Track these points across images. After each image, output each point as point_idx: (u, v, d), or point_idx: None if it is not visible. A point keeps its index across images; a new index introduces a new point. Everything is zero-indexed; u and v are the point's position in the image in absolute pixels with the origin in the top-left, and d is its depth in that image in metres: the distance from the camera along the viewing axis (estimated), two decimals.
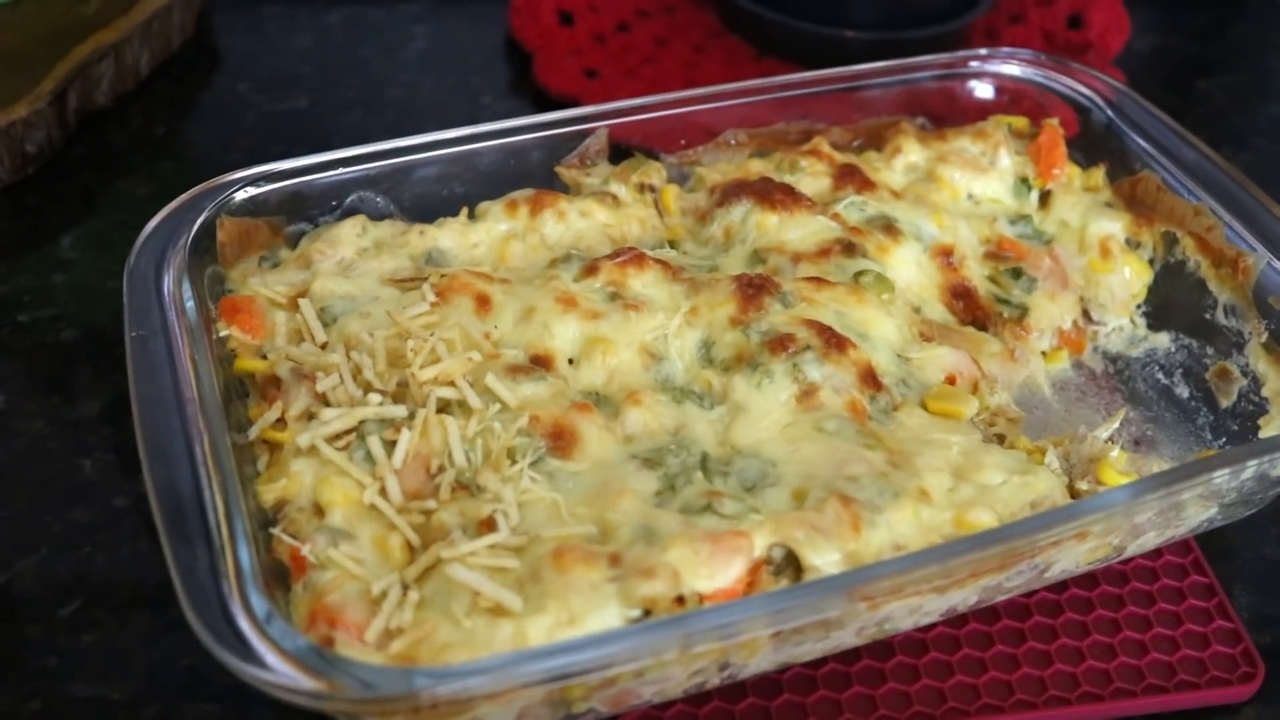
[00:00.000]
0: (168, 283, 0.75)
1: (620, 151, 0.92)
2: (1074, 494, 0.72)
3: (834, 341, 0.75)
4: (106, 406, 0.85)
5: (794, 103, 0.96)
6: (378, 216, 0.85)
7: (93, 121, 1.10)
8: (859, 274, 0.81)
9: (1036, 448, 0.75)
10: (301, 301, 0.76)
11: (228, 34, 1.24)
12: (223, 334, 0.75)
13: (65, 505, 0.79)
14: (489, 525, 0.64)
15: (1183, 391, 0.87)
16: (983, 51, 0.99)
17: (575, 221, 0.85)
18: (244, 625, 0.57)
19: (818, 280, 0.80)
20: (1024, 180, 0.93)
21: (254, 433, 0.70)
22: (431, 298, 0.76)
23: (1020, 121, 0.97)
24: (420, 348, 0.72)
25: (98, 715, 0.70)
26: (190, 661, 0.72)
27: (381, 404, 0.70)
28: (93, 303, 0.94)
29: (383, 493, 0.66)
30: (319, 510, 0.66)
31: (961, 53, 1.00)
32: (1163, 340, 0.89)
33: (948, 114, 0.99)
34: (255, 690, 0.57)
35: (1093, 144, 0.96)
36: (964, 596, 0.69)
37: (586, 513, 0.66)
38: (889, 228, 0.86)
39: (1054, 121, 0.95)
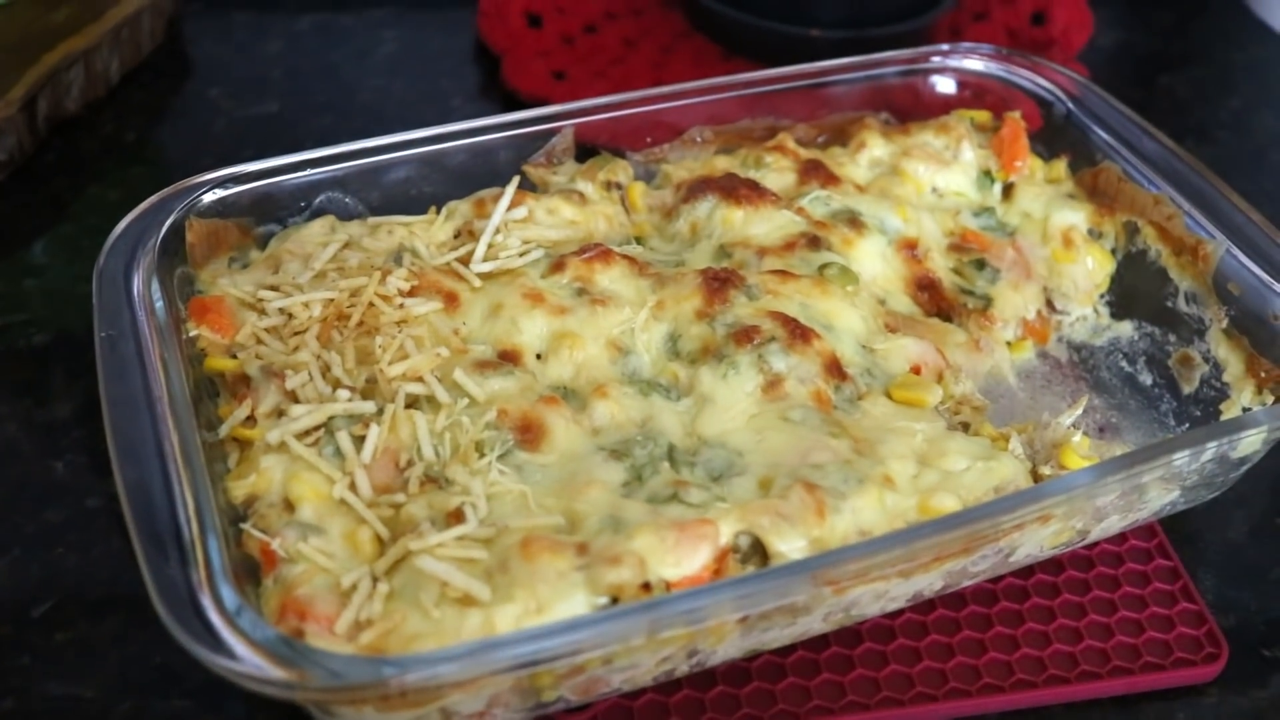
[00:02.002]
0: (137, 283, 0.75)
1: (588, 150, 0.92)
2: (1037, 479, 0.73)
3: (798, 333, 0.76)
4: (79, 409, 0.86)
5: (760, 100, 0.97)
6: (346, 217, 0.86)
7: (63, 128, 1.10)
8: (823, 266, 0.82)
9: (1000, 434, 0.76)
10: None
11: (198, 40, 1.25)
12: (192, 334, 0.75)
13: (38, 506, 0.80)
14: (457, 517, 0.65)
15: (1146, 379, 0.88)
16: (945, 47, 1.00)
17: (542, 219, 0.86)
18: (214, 618, 0.58)
19: (782, 273, 0.81)
20: (987, 173, 0.94)
21: (224, 430, 0.71)
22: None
23: (983, 115, 0.98)
24: (389, 344, 0.73)
25: (71, 713, 0.70)
26: (163, 658, 0.72)
27: (350, 400, 0.70)
28: (65, 307, 0.94)
29: (352, 487, 0.67)
30: (289, 505, 0.66)
31: (924, 48, 1.01)
32: (1126, 329, 0.90)
33: (912, 109, 1.00)
34: (228, 686, 0.57)
35: (1055, 137, 0.97)
36: (929, 581, 0.70)
37: (554, 504, 0.67)
38: (853, 221, 0.87)
39: (1016, 115, 0.96)
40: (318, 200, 0.86)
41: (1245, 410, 0.81)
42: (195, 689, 0.71)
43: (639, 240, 0.88)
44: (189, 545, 0.61)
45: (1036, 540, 0.72)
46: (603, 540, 0.64)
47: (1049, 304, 0.90)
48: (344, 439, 0.68)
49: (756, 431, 0.72)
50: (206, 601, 0.58)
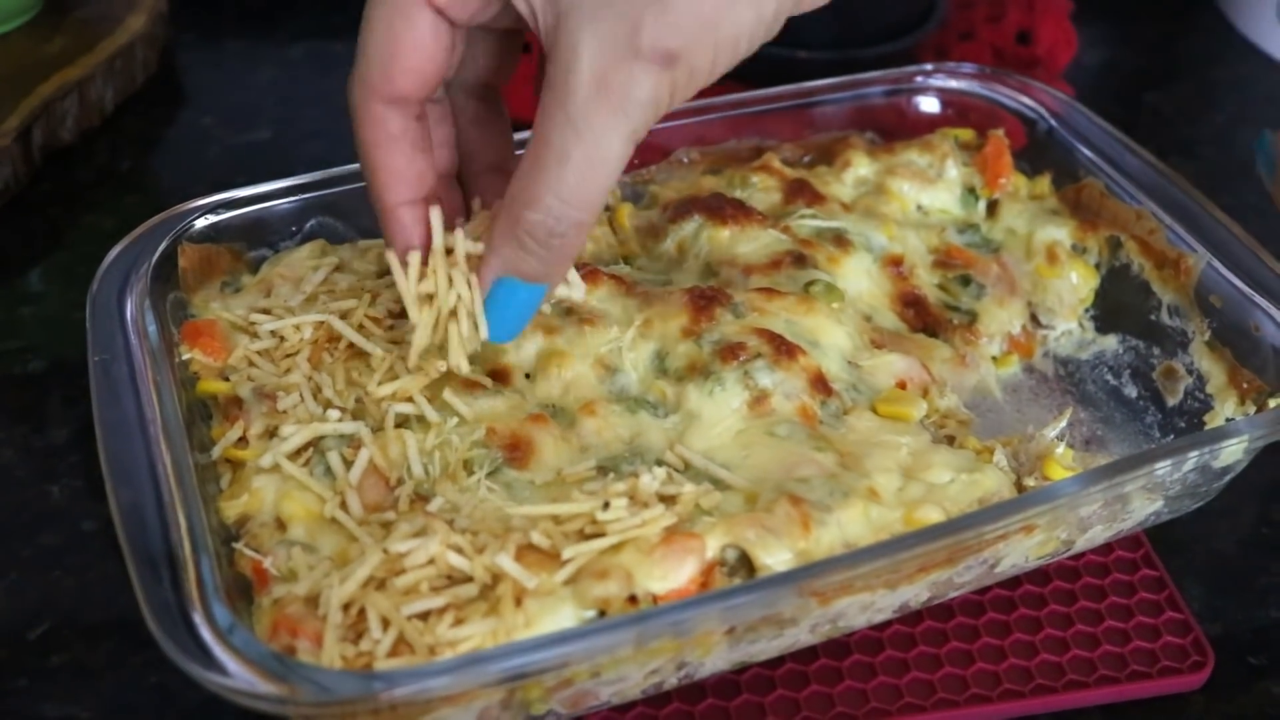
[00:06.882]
0: (130, 308, 0.76)
1: None
2: (1022, 491, 0.74)
3: (784, 349, 0.77)
4: (74, 434, 0.87)
5: (746, 120, 0.98)
6: (337, 240, 0.86)
7: (58, 158, 1.11)
8: (809, 284, 0.83)
9: (985, 447, 0.77)
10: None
11: (191, 69, 1.26)
12: (185, 357, 0.76)
13: (34, 530, 0.80)
14: None
15: (1131, 392, 0.89)
16: (928, 67, 1.01)
17: None
18: (207, 635, 0.58)
19: (768, 291, 0.82)
20: (971, 190, 0.95)
21: (216, 452, 0.71)
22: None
23: (966, 133, 0.99)
24: (379, 365, 0.74)
25: None
26: (159, 679, 0.73)
27: (340, 420, 0.71)
28: (60, 334, 0.95)
29: (343, 506, 0.68)
30: (281, 524, 0.67)
31: (908, 68, 1.02)
32: (1110, 342, 0.91)
33: (897, 128, 1.01)
34: (223, 706, 0.58)
35: (1038, 154, 0.98)
36: (915, 592, 0.71)
37: None
38: (839, 239, 0.88)
39: (999, 132, 0.97)
40: (309, 224, 0.87)
41: (1229, 421, 0.82)
42: (191, 709, 0.72)
43: (627, 260, 0.89)
44: (182, 565, 0.61)
45: (1021, 551, 0.72)
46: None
47: (1034, 319, 0.91)
48: (335, 459, 0.69)
49: (743, 447, 0.73)
50: (199, 620, 0.59)
